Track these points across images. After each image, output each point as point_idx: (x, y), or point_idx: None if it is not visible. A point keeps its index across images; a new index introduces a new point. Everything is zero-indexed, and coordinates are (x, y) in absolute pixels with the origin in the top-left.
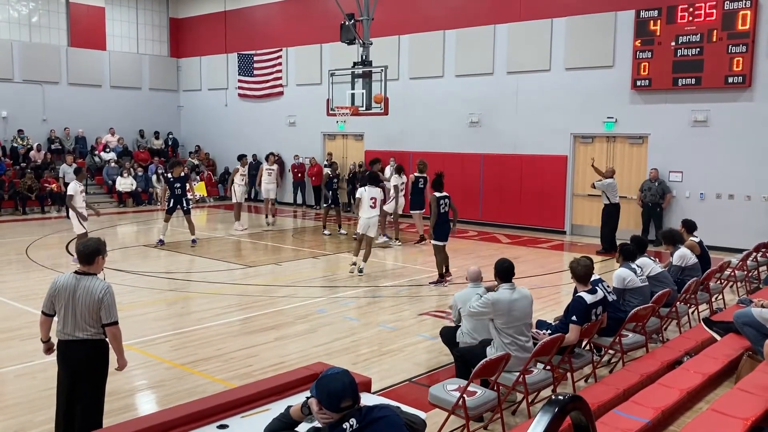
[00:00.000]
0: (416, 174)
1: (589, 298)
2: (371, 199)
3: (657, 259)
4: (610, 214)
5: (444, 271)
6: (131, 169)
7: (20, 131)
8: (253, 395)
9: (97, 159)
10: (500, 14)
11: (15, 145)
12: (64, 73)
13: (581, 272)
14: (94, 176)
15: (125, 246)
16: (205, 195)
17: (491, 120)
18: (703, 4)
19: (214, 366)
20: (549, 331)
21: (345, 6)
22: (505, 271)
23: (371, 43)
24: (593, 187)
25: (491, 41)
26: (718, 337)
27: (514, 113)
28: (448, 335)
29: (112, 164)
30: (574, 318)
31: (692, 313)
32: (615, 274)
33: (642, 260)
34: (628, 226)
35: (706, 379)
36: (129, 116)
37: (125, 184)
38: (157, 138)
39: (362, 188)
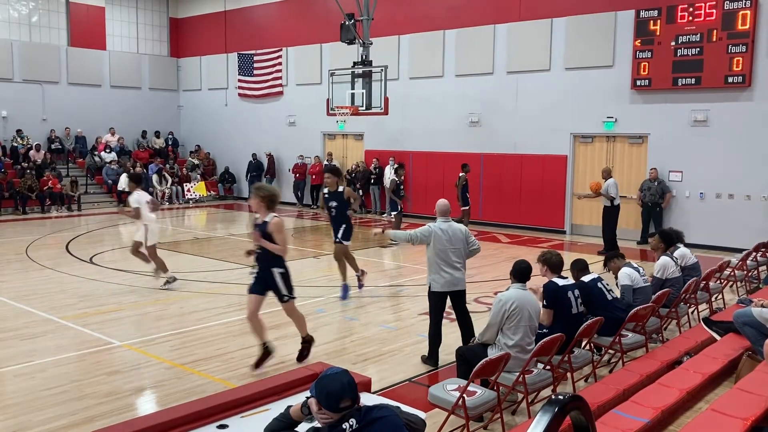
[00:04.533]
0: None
1: (559, 282)
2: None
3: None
4: (611, 215)
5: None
6: (132, 168)
7: (19, 131)
8: (252, 395)
9: (97, 159)
10: (500, 14)
11: (15, 144)
12: (64, 72)
13: (555, 261)
14: (94, 176)
15: (125, 246)
16: (204, 194)
17: (491, 120)
18: (703, 4)
19: (214, 366)
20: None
21: (345, 6)
22: (521, 272)
23: (371, 43)
24: (598, 195)
25: (491, 41)
26: (717, 337)
27: (514, 113)
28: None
29: (113, 166)
30: (544, 302)
31: (692, 313)
32: (621, 273)
33: (681, 251)
34: (628, 225)
35: (705, 379)
36: (129, 116)
37: (125, 183)
38: (158, 137)
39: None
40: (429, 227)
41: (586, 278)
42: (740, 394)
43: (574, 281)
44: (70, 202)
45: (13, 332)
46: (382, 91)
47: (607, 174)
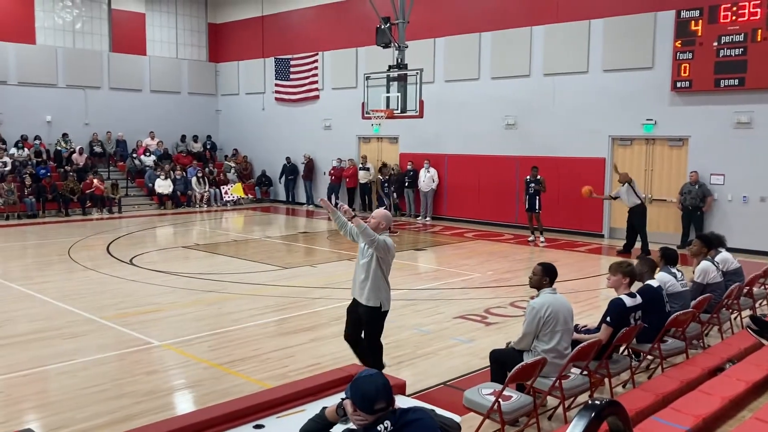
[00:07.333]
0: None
1: (628, 301)
2: None
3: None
4: (643, 215)
5: None
6: (171, 172)
7: (65, 135)
8: (288, 396)
9: (137, 162)
10: (537, 16)
11: (59, 148)
12: (106, 77)
13: (631, 272)
14: (135, 179)
15: (165, 247)
16: (242, 196)
17: (527, 122)
18: (747, 3)
19: (251, 366)
20: (585, 326)
21: (380, 9)
22: (553, 273)
23: (407, 46)
24: (613, 198)
25: (527, 43)
26: (765, 342)
27: (551, 115)
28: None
29: (158, 172)
30: (608, 319)
31: (735, 319)
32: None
33: (723, 255)
34: (668, 230)
35: (749, 387)
36: (168, 120)
37: (163, 186)
38: (196, 141)
39: None
40: (391, 242)
41: (654, 282)
42: None
43: (640, 301)
44: (110, 205)
45: (56, 331)
46: (417, 94)
47: (625, 179)
